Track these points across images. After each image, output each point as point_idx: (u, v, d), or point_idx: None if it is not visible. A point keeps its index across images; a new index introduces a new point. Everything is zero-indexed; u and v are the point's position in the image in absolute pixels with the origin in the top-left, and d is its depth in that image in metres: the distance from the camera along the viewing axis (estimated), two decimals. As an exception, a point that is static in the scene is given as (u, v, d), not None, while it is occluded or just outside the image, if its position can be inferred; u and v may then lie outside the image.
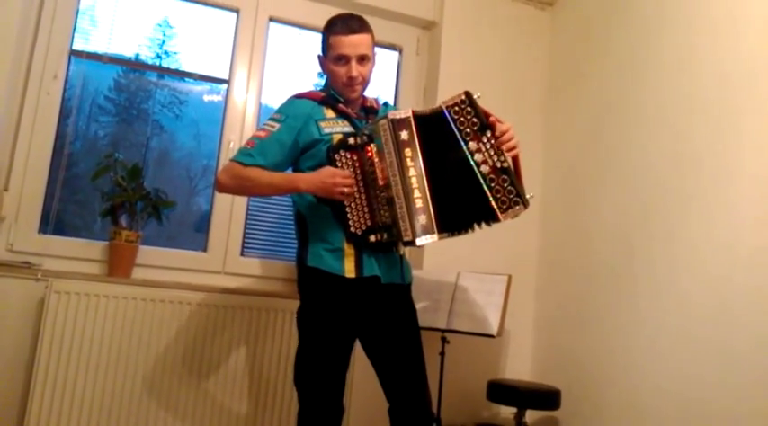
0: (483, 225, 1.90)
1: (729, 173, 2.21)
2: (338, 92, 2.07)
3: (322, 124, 2.01)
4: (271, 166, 1.98)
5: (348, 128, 2.02)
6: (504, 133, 1.89)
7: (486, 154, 1.88)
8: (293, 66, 3.13)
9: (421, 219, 1.87)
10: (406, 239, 1.88)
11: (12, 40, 2.49)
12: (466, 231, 1.92)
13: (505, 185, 1.86)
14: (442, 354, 2.63)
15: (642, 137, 2.63)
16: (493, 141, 1.88)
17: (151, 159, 2.88)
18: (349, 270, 1.95)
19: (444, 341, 2.64)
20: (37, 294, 2.48)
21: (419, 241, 1.88)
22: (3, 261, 2.48)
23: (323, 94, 2.08)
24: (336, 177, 1.90)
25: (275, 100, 3.07)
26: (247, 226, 2.92)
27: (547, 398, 2.65)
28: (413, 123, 1.91)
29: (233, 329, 2.65)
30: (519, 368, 3.12)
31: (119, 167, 2.64)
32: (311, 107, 2.04)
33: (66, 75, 2.71)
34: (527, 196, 1.87)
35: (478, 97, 1.91)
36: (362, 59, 2.03)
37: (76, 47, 2.75)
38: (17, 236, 2.56)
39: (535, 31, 3.39)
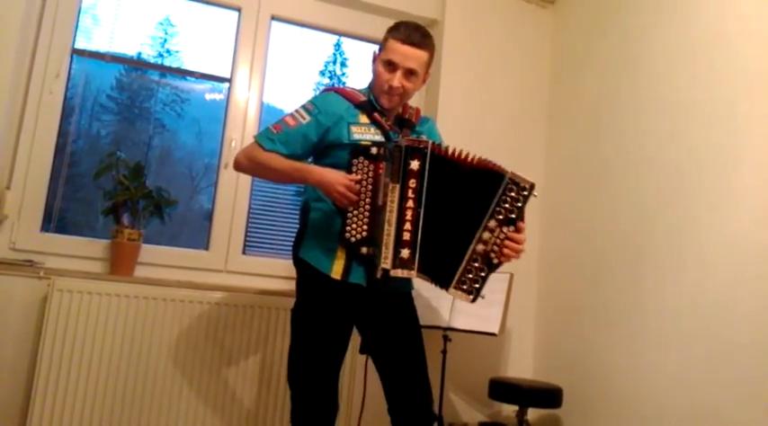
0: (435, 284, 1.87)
1: (734, 167, 2.21)
2: (376, 95, 2.02)
3: (354, 128, 1.98)
4: (290, 156, 1.96)
5: (379, 137, 1.98)
6: (518, 240, 1.82)
7: (493, 239, 1.82)
8: (295, 64, 3.13)
9: (403, 253, 1.83)
10: (383, 266, 1.85)
11: (14, 39, 2.49)
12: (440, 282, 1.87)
13: (480, 274, 1.83)
14: (444, 352, 2.63)
15: (646, 133, 2.63)
16: (506, 236, 1.82)
17: (153, 158, 2.88)
18: (336, 271, 1.94)
19: (446, 339, 2.65)
20: (39, 292, 2.48)
21: (394, 272, 1.84)
22: (5, 260, 2.49)
23: (362, 98, 2.03)
24: (343, 187, 1.85)
25: (277, 98, 3.08)
26: (249, 225, 2.93)
27: (549, 396, 2.65)
28: (427, 156, 1.84)
29: (235, 327, 2.66)
30: (521, 366, 3.12)
31: (121, 166, 2.65)
32: (346, 108, 2.00)
33: (69, 73, 2.72)
34: (481, 295, 1.84)
35: (535, 196, 1.84)
36: (410, 74, 1.97)
37: (78, 46, 2.75)
38: (20, 235, 2.56)
39: (537, 29, 3.38)
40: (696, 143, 2.37)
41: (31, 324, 2.47)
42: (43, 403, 2.36)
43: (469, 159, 1.85)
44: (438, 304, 2.66)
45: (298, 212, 2.18)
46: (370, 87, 2.07)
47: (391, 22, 2.06)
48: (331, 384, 1.98)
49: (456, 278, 1.83)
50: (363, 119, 2.00)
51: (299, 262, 2.03)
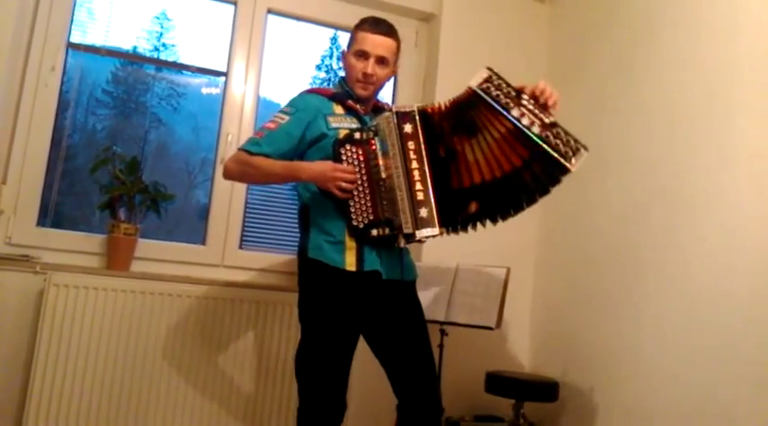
0: (550, 188, 1.85)
1: (730, 161, 2.21)
2: (351, 88, 2.08)
3: (330, 119, 2.02)
4: (277, 156, 1.98)
5: (356, 125, 2.03)
6: (543, 91, 1.87)
7: (530, 115, 1.85)
8: (291, 58, 3.12)
9: (422, 212, 1.86)
10: (406, 231, 1.87)
11: (9, 33, 2.47)
12: (466, 228, 1.91)
13: (562, 135, 1.85)
14: (441, 346, 2.64)
15: (641, 129, 2.63)
16: (532, 101, 1.86)
17: (149, 152, 2.87)
18: (350, 263, 1.94)
19: (443, 333, 2.65)
20: (36, 287, 2.48)
21: (419, 233, 1.85)
22: (1, 255, 2.49)
23: (334, 91, 2.11)
24: (337, 172, 1.89)
25: (274, 92, 3.07)
26: (246, 220, 2.92)
27: (545, 390, 2.66)
28: (417, 117, 1.90)
29: (231, 322, 2.66)
30: (517, 359, 3.13)
31: (117, 160, 2.64)
32: (321, 102, 2.05)
33: (64, 67, 2.70)
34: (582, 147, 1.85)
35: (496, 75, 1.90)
36: (381, 62, 2.06)
37: (74, 39, 2.74)
38: (15, 229, 2.56)
39: (534, 24, 3.37)
40: (692, 138, 2.37)
41: (28, 319, 2.47)
42: (40, 398, 2.36)
43: (444, 105, 1.91)
44: (435, 298, 2.66)
45: (296, 208, 2.19)
46: (342, 83, 2.13)
47: (388, 17, 2.09)
48: (342, 380, 1.96)
49: (562, 159, 1.82)
50: (338, 109, 2.06)
51: (308, 262, 2.01)
